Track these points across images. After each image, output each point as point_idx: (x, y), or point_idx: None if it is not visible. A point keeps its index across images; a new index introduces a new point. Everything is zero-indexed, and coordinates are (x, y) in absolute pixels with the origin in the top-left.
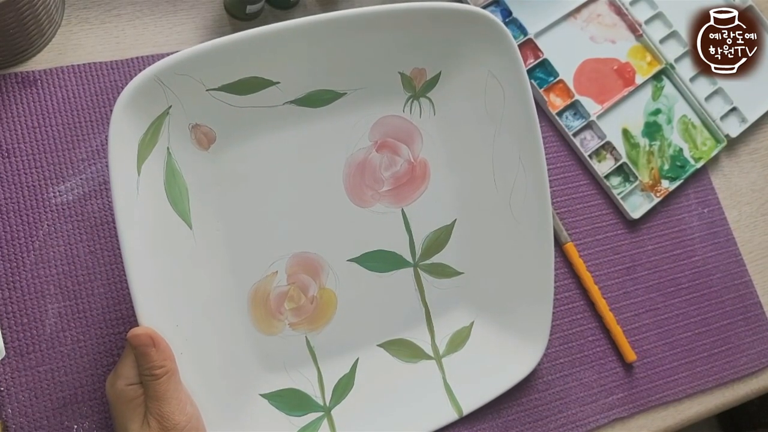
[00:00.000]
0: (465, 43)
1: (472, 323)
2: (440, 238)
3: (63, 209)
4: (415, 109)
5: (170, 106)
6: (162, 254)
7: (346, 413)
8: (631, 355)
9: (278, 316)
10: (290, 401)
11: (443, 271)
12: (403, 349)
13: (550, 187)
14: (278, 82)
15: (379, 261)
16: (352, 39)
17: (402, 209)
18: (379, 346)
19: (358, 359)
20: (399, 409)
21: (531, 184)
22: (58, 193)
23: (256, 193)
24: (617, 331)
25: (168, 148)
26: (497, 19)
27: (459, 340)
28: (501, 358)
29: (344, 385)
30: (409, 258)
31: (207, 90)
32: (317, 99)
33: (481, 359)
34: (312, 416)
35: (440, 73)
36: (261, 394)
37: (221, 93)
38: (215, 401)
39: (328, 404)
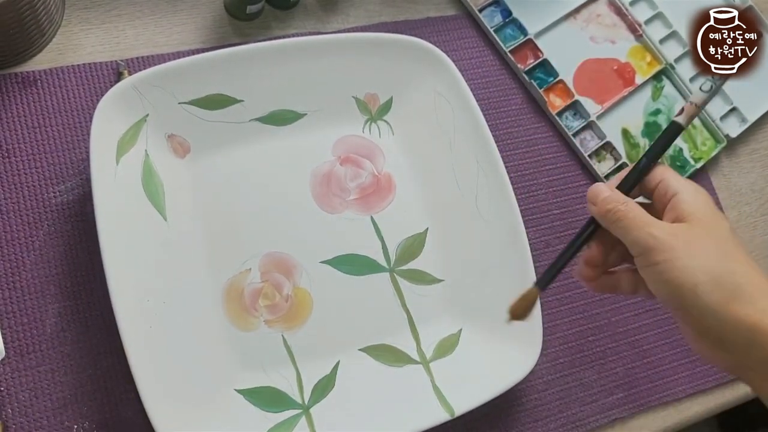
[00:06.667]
0: (409, 69)
1: (460, 330)
2: (414, 245)
3: (63, 209)
4: (374, 130)
5: (147, 115)
6: (135, 237)
7: (327, 412)
8: None
9: (253, 312)
10: (266, 398)
11: (422, 278)
12: (386, 354)
13: (551, 188)
14: (242, 100)
15: (352, 264)
16: (306, 63)
17: (371, 216)
18: (361, 350)
19: (339, 362)
20: (385, 410)
21: (492, 184)
22: (58, 194)
23: (228, 198)
24: None
25: (146, 151)
26: (431, 45)
27: (447, 345)
28: (494, 362)
29: (324, 386)
30: (383, 263)
31: (179, 103)
32: (280, 118)
33: (473, 364)
34: (289, 413)
35: (392, 98)
36: (237, 390)
37: (192, 107)
38: (190, 392)
39: (306, 403)
